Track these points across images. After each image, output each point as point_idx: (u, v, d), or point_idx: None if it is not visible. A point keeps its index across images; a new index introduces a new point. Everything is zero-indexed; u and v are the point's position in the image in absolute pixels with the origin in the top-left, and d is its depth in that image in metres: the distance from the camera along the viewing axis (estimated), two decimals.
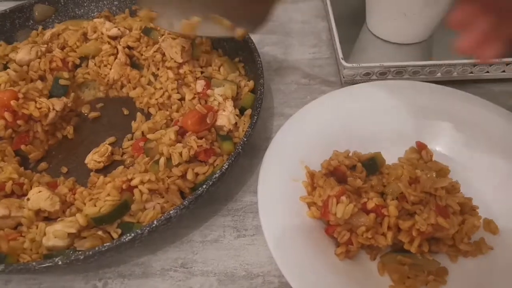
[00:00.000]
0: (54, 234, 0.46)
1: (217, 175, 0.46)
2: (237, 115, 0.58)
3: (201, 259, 0.51)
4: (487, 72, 0.65)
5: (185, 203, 0.44)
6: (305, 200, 0.50)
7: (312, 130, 0.57)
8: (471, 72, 0.65)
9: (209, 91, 0.59)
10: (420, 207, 0.46)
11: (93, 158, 0.59)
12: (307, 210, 0.50)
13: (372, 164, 0.52)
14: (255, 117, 0.53)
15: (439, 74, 0.65)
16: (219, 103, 0.57)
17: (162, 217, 0.43)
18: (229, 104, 0.57)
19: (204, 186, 0.46)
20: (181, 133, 0.55)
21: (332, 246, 0.48)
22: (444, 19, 0.66)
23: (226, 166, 0.47)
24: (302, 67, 0.74)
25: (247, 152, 0.60)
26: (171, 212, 0.44)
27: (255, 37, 0.78)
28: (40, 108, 0.59)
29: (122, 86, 0.69)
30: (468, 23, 0.39)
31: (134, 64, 0.69)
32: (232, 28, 0.54)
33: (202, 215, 0.55)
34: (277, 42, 0.79)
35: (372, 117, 0.59)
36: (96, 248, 0.41)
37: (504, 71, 0.65)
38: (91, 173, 0.57)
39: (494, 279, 0.45)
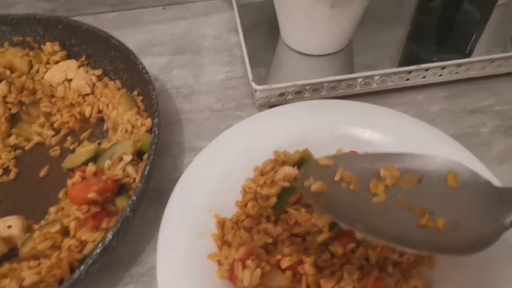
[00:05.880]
0: None
1: (98, 250, 0.38)
2: (134, 161, 0.50)
3: None
4: (407, 79, 0.60)
5: None
6: (214, 258, 0.43)
7: (222, 170, 0.50)
8: (392, 82, 0.60)
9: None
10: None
11: None
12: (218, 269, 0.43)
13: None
14: (148, 167, 0.44)
15: (358, 87, 0.60)
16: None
17: None
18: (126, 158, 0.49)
19: (81, 268, 0.37)
20: None
21: None
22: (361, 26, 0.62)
23: (110, 237, 0.39)
24: (215, 90, 0.66)
25: (151, 200, 0.52)
26: None
27: (161, 60, 0.71)
28: None
29: None
30: None
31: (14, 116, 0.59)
32: None
33: None
34: (187, 63, 0.71)
35: (293, 144, 0.52)
36: None
37: (424, 77, 0.61)
38: None
39: None
